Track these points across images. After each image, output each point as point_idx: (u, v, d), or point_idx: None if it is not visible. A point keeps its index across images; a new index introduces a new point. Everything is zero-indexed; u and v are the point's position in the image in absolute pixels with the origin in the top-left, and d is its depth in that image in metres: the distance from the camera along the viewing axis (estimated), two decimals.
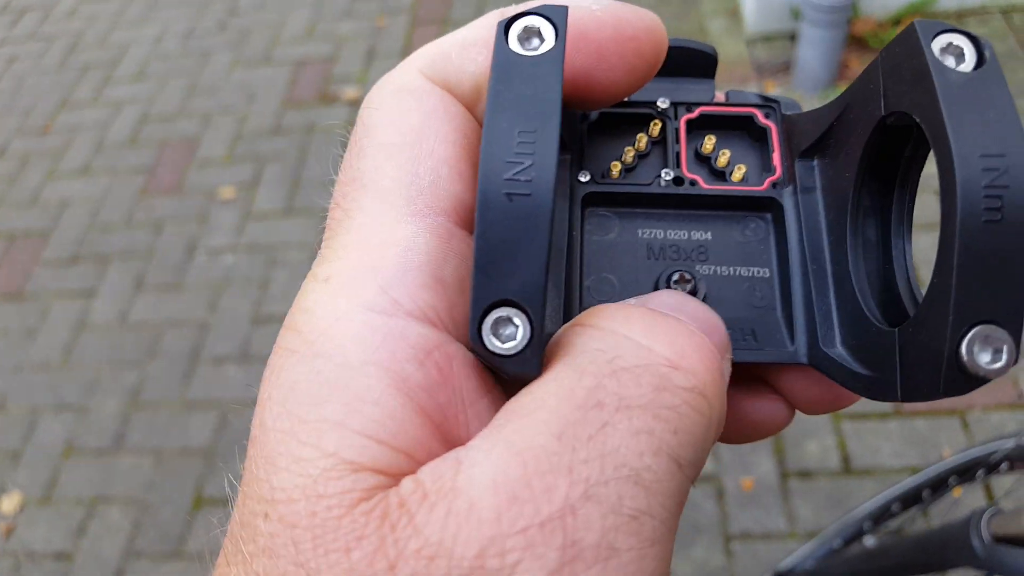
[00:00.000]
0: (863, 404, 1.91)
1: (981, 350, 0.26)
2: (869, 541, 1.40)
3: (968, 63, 0.28)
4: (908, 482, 1.39)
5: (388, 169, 0.30)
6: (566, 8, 0.29)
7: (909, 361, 0.29)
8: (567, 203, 0.37)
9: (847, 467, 1.84)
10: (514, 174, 0.26)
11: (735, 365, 0.32)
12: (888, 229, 0.35)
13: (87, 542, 2.02)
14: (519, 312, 0.26)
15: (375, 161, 0.31)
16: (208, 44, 3.40)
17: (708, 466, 1.87)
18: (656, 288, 0.36)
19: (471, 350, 0.28)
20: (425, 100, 0.32)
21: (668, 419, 0.25)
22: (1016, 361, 0.26)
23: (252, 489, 0.26)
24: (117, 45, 3.50)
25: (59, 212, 2.82)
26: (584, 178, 0.38)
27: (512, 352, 0.27)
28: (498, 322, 0.27)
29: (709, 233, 0.37)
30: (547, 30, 0.29)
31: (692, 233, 0.37)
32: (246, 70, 3.23)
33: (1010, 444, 1.14)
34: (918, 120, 0.28)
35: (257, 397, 0.29)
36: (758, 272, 0.37)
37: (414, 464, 0.25)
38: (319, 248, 0.31)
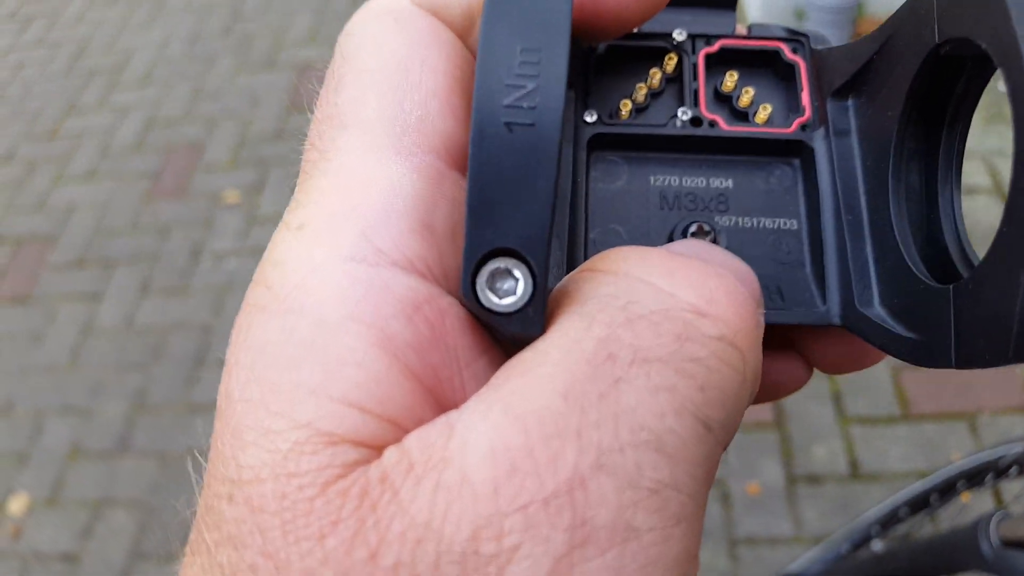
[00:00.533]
0: (871, 408, 1.90)
1: None
2: (877, 546, 1.39)
3: None
4: (916, 487, 1.38)
5: (369, 102, 0.26)
6: None
7: (967, 323, 0.25)
8: (571, 145, 0.33)
9: (855, 471, 1.84)
10: (515, 100, 0.22)
11: None
12: (935, 175, 0.30)
13: (93, 544, 2.02)
14: (519, 263, 0.23)
15: (355, 94, 0.27)
16: (212, 49, 3.41)
17: None
18: (671, 240, 0.32)
19: (464, 305, 0.25)
20: (411, 25, 0.28)
21: (693, 374, 0.22)
22: None
23: (217, 468, 0.23)
24: (123, 51, 3.51)
25: (66, 216, 2.82)
26: (590, 118, 0.33)
27: (512, 309, 0.23)
28: (495, 274, 0.23)
29: (730, 180, 0.33)
30: None
31: (711, 180, 0.33)
32: (250, 75, 3.24)
33: (1018, 448, 1.14)
34: (984, 47, 0.24)
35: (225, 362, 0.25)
36: (785, 224, 0.33)
37: (402, 433, 0.22)
38: (293, 192, 0.28)
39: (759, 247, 0.32)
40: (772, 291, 0.32)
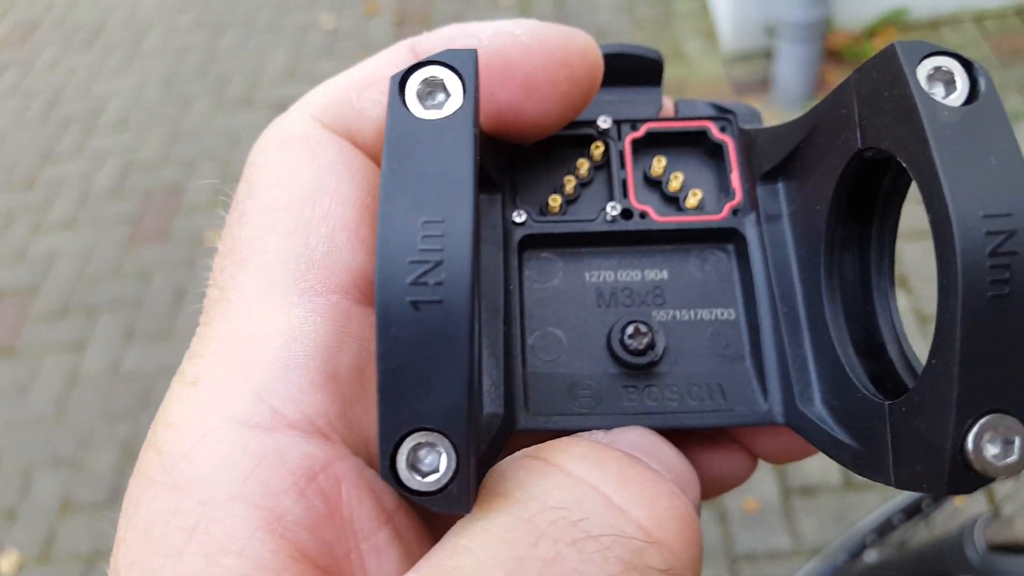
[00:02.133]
0: None
1: (991, 443, 0.22)
2: (870, 556, 1.39)
3: (960, 93, 0.24)
4: (908, 493, 1.38)
5: (272, 239, 0.25)
6: (473, 53, 0.24)
7: (904, 446, 0.25)
8: (500, 251, 0.31)
9: (849, 482, 1.84)
10: (420, 276, 0.21)
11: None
12: (868, 267, 0.30)
13: None
14: (442, 437, 0.21)
15: (257, 230, 0.25)
16: (189, 91, 3.41)
17: None
18: (609, 343, 0.31)
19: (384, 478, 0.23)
20: (320, 152, 0.26)
21: None
22: None
23: None
24: (98, 96, 3.51)
25: (47, 266, 2.81)
26: (519, 218, 0.32)
27: (435, 488, 0.22)
28: (416, 449, 0.22)
29: (665, 271, 0.32)
30: (453, 83, 0.23)
31: (646, 273, 0.32)
32: (228, 114, 3.24)
33: None
34: (904, 165, 0.24)
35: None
36: (723, 314, 0.32)
37: None
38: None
39: (698, 341, 0.31)
40: (713, 389, 0.31)
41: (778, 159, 0.31)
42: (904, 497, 1.42)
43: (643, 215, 0.33)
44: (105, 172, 3.12)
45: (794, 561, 1.72)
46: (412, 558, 0.22)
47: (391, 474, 0.22)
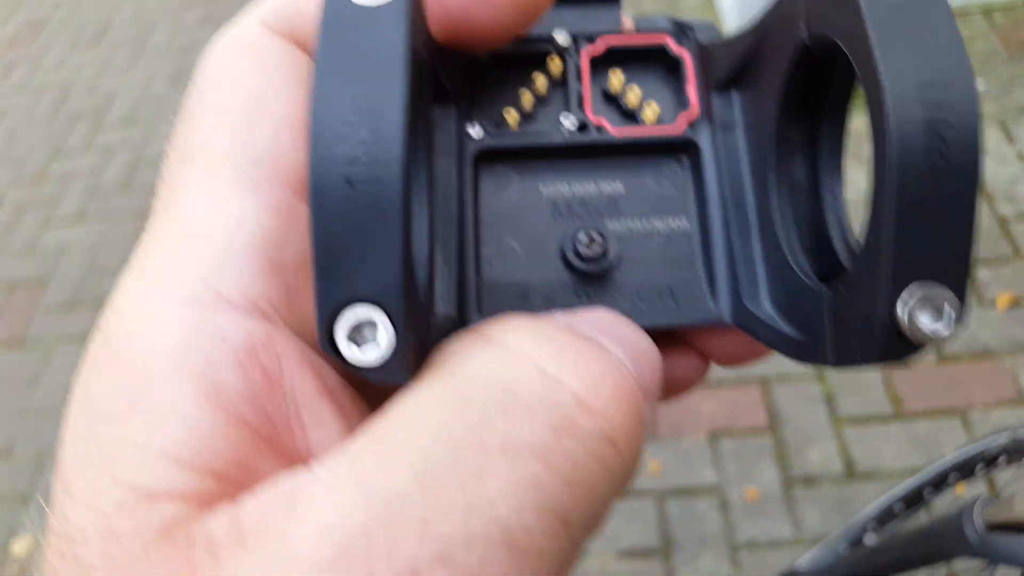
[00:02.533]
0: (864, 408, 1.92)
1: (922, 312, 0.23)
2: (870, 539, 1.40)
3: None
4: (909, 482, 1.40)
5: (218, 137, 0.26)
6: None
7: (842, 324, 0.25)
8: (455, 162, 0.32)
9: (850, 471, 1.85)
10: (351, 151, 0.21)
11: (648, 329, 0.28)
12: (816, 167, 0.30)
13: None
14: (379, 311, 0.22)
15: (204, 130, 0.26)
16: None
17: (710, 477, 1.87)
18: (563, 251, 0.32)
19: (324, 358, 0.24)
20: (266, 56, 0.27)
21: (562, 469, 0.21)
22: (962, 321, 0.23)
23: (53, 523, 0.22)
24: (106, 93, 3.53)
25: (57, 259, 2.83)
26: (475, 132, 0.32)
27: (375, 362, 0.22)
28: (356, 324, 0.22)
29: (620, 183, 0.33)
30: None
31: (601, 185, 0.33)
32: None
33: (1004, 438, 1.16)
34: (843, 48, 0.24)
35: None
36: (675, 224, 0.32)
37: (232, 487, 0.21)
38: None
39: (651, 250, 0.32)
40: (664, 293, 0.32)
41: (732, 68, 0.32)
42: (905, 485, 1.43)
43: (599, 128, 0.33)
44: (114, 167, 3.15)
45: (795, 550, 1.74)
46: (354, 431, 0.23)
47: (330, 346, 0.22)
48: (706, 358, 0.33)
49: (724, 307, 0.31)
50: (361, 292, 0.21)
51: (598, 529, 0.23)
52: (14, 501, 2.22)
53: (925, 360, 1.98)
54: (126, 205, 2.97)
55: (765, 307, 0.30)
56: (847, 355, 0.25)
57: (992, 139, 2.41)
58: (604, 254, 0.31)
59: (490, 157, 0.33)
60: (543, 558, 0.20)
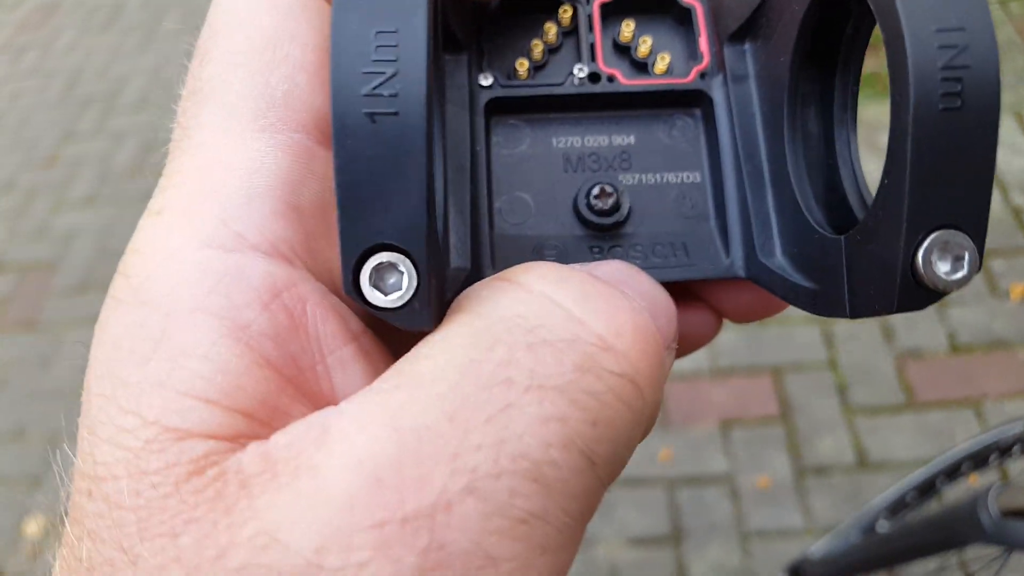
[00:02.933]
0: (876, 398, 1.91)
1: (940, 259, 0.23)
2: (883, 527, 1.40)
3: None
4: (922, 472, 1.39)
5: (234, 79, 0.25)
6: None
7: (858, 273, 0.25)
8: (467, 112, 0.31)
9: (862, 461, 1.84)
10: (375, 88, 0.20)
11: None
12: (831, 119, 0.30)
13: None
14: (402, 256, 0.22)
15: (219, 70, 0.26)
16: None
17: (721, 465, 1.87)
18: (575, 204, 0.32)
19: (347, 303, 0.24)
20: None
21: (587, 407, 0.21)
22: (979, 269, 0.23)
23: (78, 464, 0.22)
24: (117, 77, 3.53)
25: (67, 243, 2.84)
26: (486, 81, 0.32)
27: (397, 304, 0.22)
28: (379, 269, 0.22)
29: (632, 136, 0.33)
30: None
31: (613, 137, 0.32)
32: None
33: (1018, 428, 1.15)
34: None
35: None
36: (688, 177, 0.32)
37: (259, 426, 0.21)
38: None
39: (663, 203, 0.32)
40: (677, 247, 0.31)
41: (744, 18, 0.31)
42: (917, 475, 1.42)
43: (611, 79, 0.32)
44: (125, 151, 3.15)
45: (806, 539, 1.73)
46: (378, 375, 0.23)
47: (354, 290, 0.22)
48: (719, 314, 0.33)
49: (737, 261, 0.31)
50: (386, 236, 0.21)
51: (621, 470, 0.23)
52: (26, 483, 2.23)
53: (937, 350, 1.97)
54: (137, 189, 2.97)
55: (778, 259, 0.29)
56: (864, 304, 0.25)
57: (1007, 129, 2.39)
58: (617, 207, 0.31)
59: (502, 107, 0.32)
60: (569, 493, 0.21)
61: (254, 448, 0.21)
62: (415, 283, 0.22)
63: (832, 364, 1.99)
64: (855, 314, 0.26)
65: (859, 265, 0.25)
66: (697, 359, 2.04)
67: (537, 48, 0.32)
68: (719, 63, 0.32)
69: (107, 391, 0.22)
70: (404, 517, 0.19)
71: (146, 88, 3.43)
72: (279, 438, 0.21)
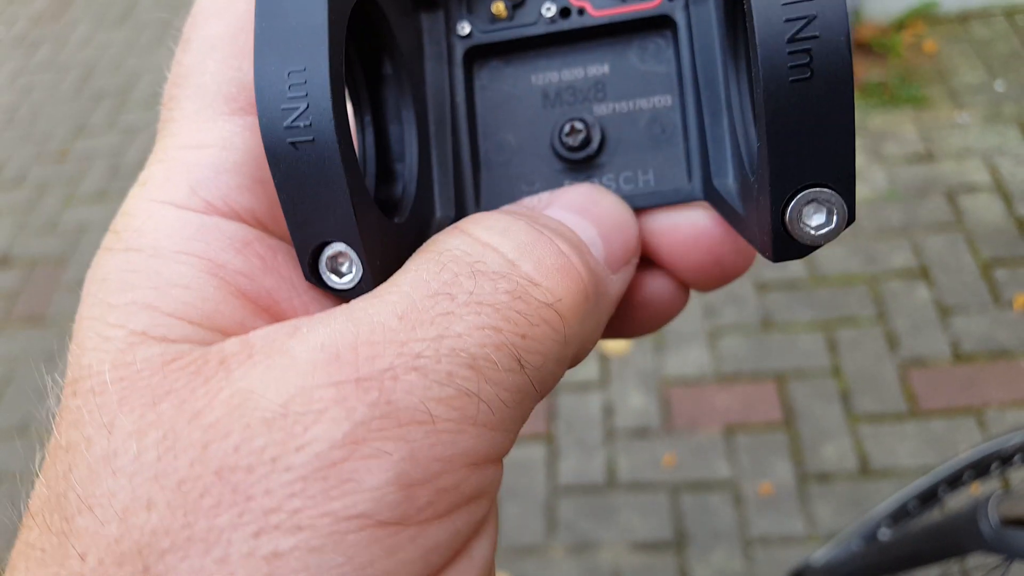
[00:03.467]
0: (879, 406, 1.92)
1: (813, 214, 0.24)
2: (884, 534, 1.41)
3: None
4: (924, 480, 1.39)
5: (209, 64, 0.29)
6: None
7: (755, 219, 0.27)
8: (445, 66, 0.33)
9: (865, 469, 1.85)
10: (293, 121, 0.24)
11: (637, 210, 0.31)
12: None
13: None
14: (345, 246, 0.25)
15: (198, 56, 0.29)
16: None
17: (724, 471, 1.88)
18: (551, 143, 0.33)
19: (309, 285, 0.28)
20: None
21: (517, 322, 0.25)
22: (851, 220, 0.25)
23: (66, 378, 0.25)
24: (130, 72, 3.55)
25: (77, 237, 2.85)
26: (464, 30, 0.33)
27: (350, 286, 0.26)
28: (333, 258, 0.26)
29: (606, 65, 0.34)
30: None
31: (588, 69, 0.34)
32: None
33: (1020, 437, 1.15)
34: None
35: None
36: (660, 101, 0.33)
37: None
38: None
39: (636, 130, 0.33)
40: (646, 173, 0.33)
41: None
42: (919, 483, 1.43)
43: (581, 11, 0.33)
44: (136, 146, 3.17)
45: (808, 546, 1.74)
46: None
47: (313, 276, 0.26)
48: (678, 280, 0.34)
49: (696, 184, 0.32)
50: (328, 235, 0.25)
51: (552, 385, 0.27)
52: (30, 479, 2.24)
53: (941, 358, 1.97)
54: None
55: (729, 184, 0.31)
56: (762, 248, 0.27)
57: (1011, 140, 2.39)
58: (587, 141, 0.33)
59: (480, 54, 0.34)
60: (501, 384, 0.24)
61: (234, 338, 0.24)
62: (361, 267, 0.26)
63: (835, 371, 2.00)
64: (762, 253, 0.27)
65: (754, 214, 0.27)
66: (701, 364, 2.05)
67: None
68: None
69: (95, 314, 0.25)
70: (357, 378, 0.22)
71: (159, 83, 3.39)
72: (257, 332, 0.24)
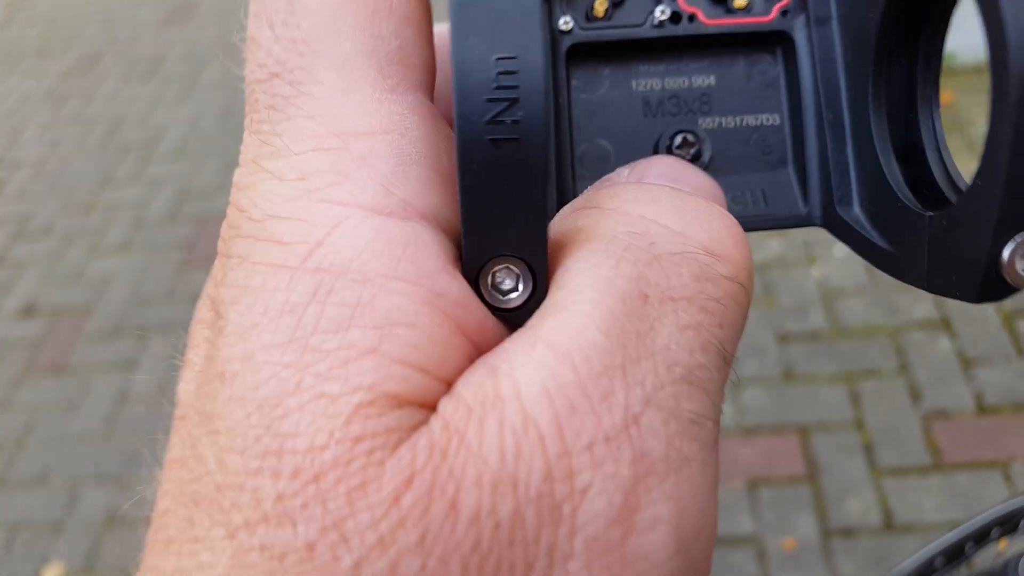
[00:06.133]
0: (903, 459, 1.89)
1: (1021, 257, 0.23)
2: None
3: None
4: (950, 536, 1.37)
5: (344, 28, 0.23)
6: None
7: (941, 255, 0.25)
8: (548, 61, 0.31)
9: (889, 523, 1.82)
10: (497, 115, 0.21)
11: None
12: (915, 74, 0.29)
13: None
14: (519, 262, 0.23)
15: (324, 16, 0.23)
16: (244, 124, 3.50)
17: (748, 526, 1.85)
18: (656, 152, 0.32)
19: None
20: None
21: (714, 311, 0.22)
22: None
23: (229, 448, 0.20)
24: (156, 126, 3.61)
25: (101, 288, 2.88)
26: (566, 25, 0.31)
27: (515, 305, 0.23)
28: (497, 274, 0.23)
29: (712, 77, 0.32)
30: None
31: (693, 79, 0.32)
32: None
33: None
34: None
35: (190, 349, 0.24)
36: (768, 120, 0.32)
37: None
38: (252, 131, 0.24)
39: (743, 147, 0.32)
40: (756, 194, 0.31)
41: None
42: (945, 539, 1.40)
43: (692, 18, 0.31)
44: (161, 198, 3.21)
45: None
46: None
47: (476, 292, 0.23)
48: None
49: (815, 210, 0.31)
50: (508, 249, 0.22)
51: None
52: (47, 529, 2.24)
53: (964, 411, 1.95)
54: (171, 236, 3.02)
55: (855, 212, 0.29)
56: (944, 287, 0.25)
57: None
58: (698, 155, 0.31)
59: (581, 53, 0.32)
60: (715, 387, 0.22)
61: (443, 401, 0.20)
62: (531, 287, 0.23)
63: (859, 424, 1.98)
64: (932, 290, 0.26)
65: (943, 248, 0.25)
66: (724, 417, 2.03)
67: None
68: (801, 2, 0.31)
69: (290, 359, 0.20)
70: (606, 436, 0.19)
71: (184, 138, 3.50)
72: (455, 386, 0.20)
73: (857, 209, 0.29)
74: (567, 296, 0.21)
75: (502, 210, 0.22)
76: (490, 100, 0.21)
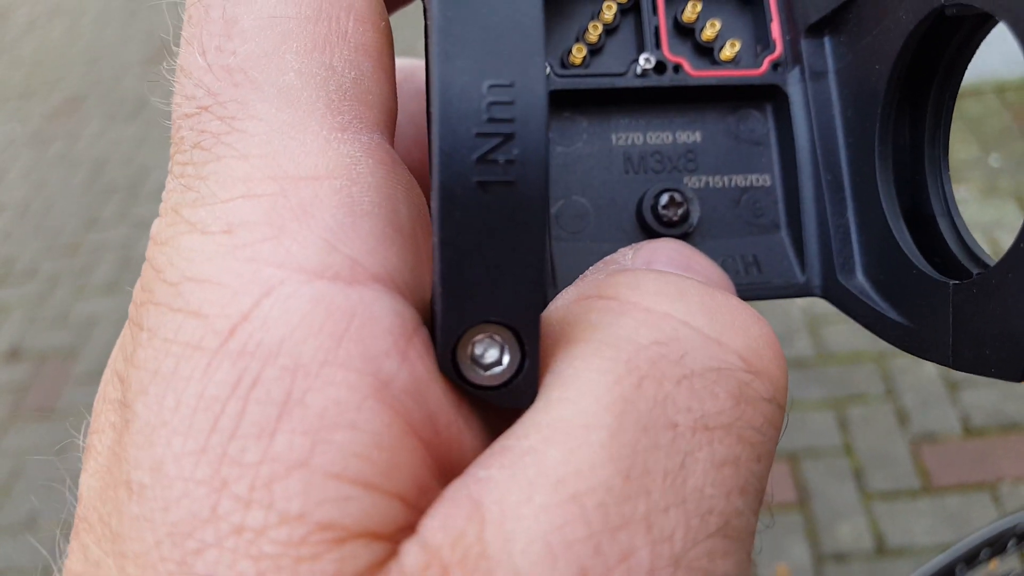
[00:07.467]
0: (892, 483, 1.90)
1: None
2: None
3: None
4: (941, 558, 1.38)
5: (289, 55, 0.20)
6: None
7: (971, 329, 0.22)
8: None
9: (881, 547, 1.82)
10: (488, 152, 0.17)
11: None
12: (922, 133, 0.27)
13: None
14: (503, 329, 0.19)
15: (266, 42, 0.20)
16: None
17: None
18: (640, 213, 0.29)
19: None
20: None
21: (753, 442, 0.19)
22: None
23: None
24: (140, 167, 3.61)
25: (88, 330, 2.87)
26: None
27: (499, 382, 0.19)
28: (477, 344, 0.19)
29: (698, 133, 0.29)
30: None
31: (678, 134, 0.29)
32: None
33: None
34: (1008, 26, 0.21)
35: (92, 431, 0.19)
36: (758, 180, 0.29)
37: (411, 512, 0.17)
38: (175, 175, 0.20)
39: (731, 210, 0.29)
40: (748, 261, 0.29)
41: (828, 8, 0.28)
42: (936, 562, 1.41)
43: (677, 68, 0.29)
44: (147, 239, 3.17)
45: None
46: (492, 424, 0.19)
47: (452, 368, 0.19)
48: None
49: (814, 278, 0.28)
50: (495, 315, 0.18)
51: None
52: (37, 575, 2.22)
53: (951, 434, 1.96)
54: None
55: (859, 281, 0.27)
56: (976, 363, 0.23)
57: (1009, 214, 2.42)
58: (686, 217, 0.29)
59: (558, 101, 0.29)
60: (750, 537, 0.19)
61: (409, 546, 0.16)
62: (519, 359, 0.19)
63: (847, 449, 1.99)
64: (960, 367, 0.23)
65: (974, 321, 0.22)
66: None
67: (594, 30, 0.29)
68: (794, 55, 0.29)
69: (203, 475, 0.16)
70: None
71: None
72: (430, 529, 0.16)
73: (861, 277, 0.27)
74: (576, 417, 0.17)
75: (490, 268, 0.18)
76: (480, 135, 0.17)
